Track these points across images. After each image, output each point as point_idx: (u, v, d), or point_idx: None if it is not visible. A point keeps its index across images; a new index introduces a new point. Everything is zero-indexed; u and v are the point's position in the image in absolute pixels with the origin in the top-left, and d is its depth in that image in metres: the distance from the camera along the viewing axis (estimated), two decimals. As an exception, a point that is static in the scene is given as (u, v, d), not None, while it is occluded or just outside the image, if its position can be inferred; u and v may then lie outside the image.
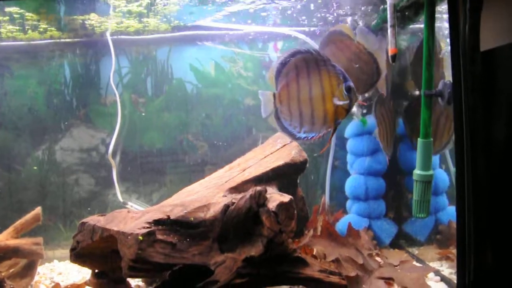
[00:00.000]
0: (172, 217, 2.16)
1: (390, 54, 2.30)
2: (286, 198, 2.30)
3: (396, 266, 2.59)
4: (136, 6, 2.72)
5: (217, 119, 3.32)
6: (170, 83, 3.33)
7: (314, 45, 2.90)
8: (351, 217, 2.94)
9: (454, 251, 2.69)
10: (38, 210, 2.70)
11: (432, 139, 2.38)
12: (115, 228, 2.11)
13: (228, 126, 3.31)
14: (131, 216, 2.25)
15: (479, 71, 2.04)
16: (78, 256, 2.25)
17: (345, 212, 3.08)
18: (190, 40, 3.18)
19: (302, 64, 2.03)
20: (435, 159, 2.96)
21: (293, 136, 2.10)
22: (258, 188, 2.26)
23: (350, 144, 3.05)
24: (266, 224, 2.16)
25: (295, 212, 2.30)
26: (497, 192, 2.01)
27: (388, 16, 2.29)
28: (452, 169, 3.06)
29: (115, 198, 3.11)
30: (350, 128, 3.05)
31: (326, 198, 3.10)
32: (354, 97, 2.05)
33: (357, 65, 2.56)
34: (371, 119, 2.94)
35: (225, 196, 2.30)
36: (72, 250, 2.25)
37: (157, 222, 2.13)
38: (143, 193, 3.29)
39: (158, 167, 3.31)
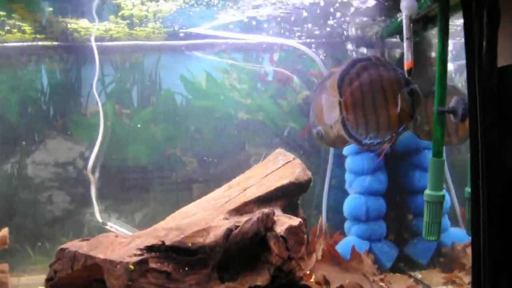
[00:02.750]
0: (167, 242, 1.94)
1: (406, 68, 2.18)
2: (295, 221, 2.13)
3: (402, 292, 2.44)
4: (140, 10, 2.49)
5: (208, 133, 3.10)
6: (158, 94, 3.09)
7: (315, 56, 2.76)
8: (351, 240, 2.78)
9: (460, 275, 2.58)
10: (4, 232, 2.42)
11: (444, 159, 2.27)
12: (101, 256, 1.87)
13: (219, 141, 3.10)
14: (120, 241, 2.01)
15: (496, 88, 1.97)
16: (55, 287, 1.98)
17: (342, 234, 2.91)
18: (180, 48, 2.98)
19: (364, 72, 2.03)
20: (437, 179, 2.85)
21: (359, 143, 2.11)
22: (266, 210, 2.07)
23: (349, 162, 2.90)
24: (274, 251, 1.98)
25: (305, 236, 2.14)
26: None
27: (404, 28, 2.18)
28: (452, 189, 2.96)
29: (93, 218, 2.84)
30: (349, 146, 2.90)
31: (323, 219, 2.94)
32: (418, 101, 2.02)
33: None
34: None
35: (227, 218, 2.10)
36: (48, 280, 1.98)
37: (150, 248, 1.90)
38: (124, 212, 3.02)
39: (142, 184, 3.05)
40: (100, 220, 2.79)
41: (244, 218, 2.10)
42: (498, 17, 1.90)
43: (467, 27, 2.01)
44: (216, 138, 3.09)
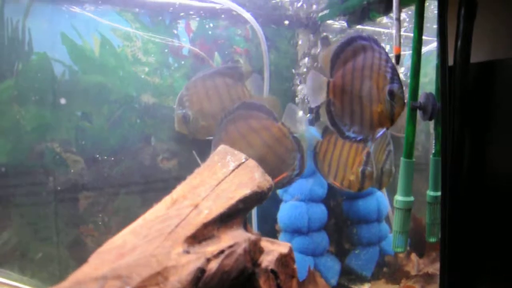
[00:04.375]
0: (105, 305, 1.16)
1: (394, 53, 1.84)
2: (284, 247, 1.58)
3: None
4: None
5: (100, 121, 2.20)
6: (27, 60, 2.06)
7: (257, 27, 2.16)
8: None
9: (411, 283, 2.36)
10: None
11: (414, 160, 2.02)
12: None
13: (116, 133, 2.24)
14: None
15: (469, 86, 1.84)
16: None
17: (275, 249, 2.41)
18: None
19: (360, 54, 1.75)
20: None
21: (342, 134, 1.84)
22: (252, 236, 1.46)
23: (285, 162, 2.40)
24: None
25: (295, 266, 1.61)
26: (477, 221, 1.78)
27: (394, 6, 1.84)
28: (385, 193, 2.73)
29: None
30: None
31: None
32: (398, 106, 1.71)
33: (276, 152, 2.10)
34: (311, 132, 2.38)
35: (187, 251, 1.39)
36: None
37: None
38: (-31, 240, 1.96)
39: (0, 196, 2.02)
40: None
41: (209, 248, 1.44)
42: (475, 10, 1.75)
43: (440, 18, 1.84)
44: (112, 129, 2.22)
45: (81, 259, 2.21)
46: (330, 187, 2.49)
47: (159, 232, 1.45)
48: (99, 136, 2.20)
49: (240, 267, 1.35)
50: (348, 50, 1.77)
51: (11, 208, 2.04)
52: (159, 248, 1.37)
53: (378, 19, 2.46)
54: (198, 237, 1.48)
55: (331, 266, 2.39)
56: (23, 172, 2.05)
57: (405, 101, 1.77)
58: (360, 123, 1.82)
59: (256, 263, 1.45)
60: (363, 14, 2.30)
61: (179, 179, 2.33)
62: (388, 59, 1.72)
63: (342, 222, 2.56)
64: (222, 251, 1.42)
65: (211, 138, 2.06)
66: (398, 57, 1.85)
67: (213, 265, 1.38)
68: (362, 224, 2.52)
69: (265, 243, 1.56)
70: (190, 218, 1.52)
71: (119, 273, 1.24)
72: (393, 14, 1.86)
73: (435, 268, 2.47)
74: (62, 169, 2.11)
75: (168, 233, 1.44)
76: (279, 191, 2.44)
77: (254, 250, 1.42)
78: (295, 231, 2.34)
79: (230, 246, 1.45)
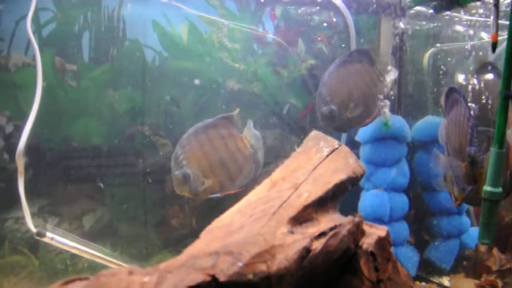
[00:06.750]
0: (220, 277, 1.17)
1: (491, 41, 1.78)
2: (381, 230, 1.55)
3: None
4: None
5: (188, 105, 2.27)
6: (121, 46, 2.16)
7: (347, 13, 2.14)
8: (374, 246, 2.28)
9: (492, 278, 2.28)
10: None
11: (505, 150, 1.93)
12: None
13: (202, 117, 2.29)
14: (140, 281, 1.17)
15: None
16: None
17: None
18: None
19: (454, 107, 1.85)
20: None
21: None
22: (356, 218, 1.46)
23: (367, 151, 2.37)
24: (364, 273, 1.40)
25: (391, 250, 1.60)
26: None
27: None
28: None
29: (21, 226, 1.88)
30: (367, 131, 2.37)
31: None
32: (476, 168, 1.78)
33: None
34: (396, 121, 2.34)
35: (291, 232, 1.42)
36: None
37: (195, 290, 1.14)
38: (67, 215, 2.07)
39: (93, 175, 2.12)
40: (34, 230, 1.84)
41: (310, 229, 1.46)
42: None
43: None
44: (199, 113, 2.28)
45: (167, 239, 2.30)
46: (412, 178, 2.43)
47: (263, 212, 1.47)
48: (186, 120, 2.27)
49: (344, 247, 1.35)
50: (450, 99, 1.86)
51: (104, 187, 2.14)
52: (264, 228, 1.39)
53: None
54: (299, 219, 1.49)
55: (410, 257, 2.35)
56: (115, 154, 2.15)
57: (483, 164, 1.75)
58: (459, 172, 1.85)
59: (357, 245, 1.45)
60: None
61: (264, 164, 2.36)
62: (470, 118, 1.76)
63: (422, 213, 2.51)
64: (323, 233, 1.43)
65: (215, 195, 2.04)
66: (494, 45, 1.80)
67: (317, 245, 1.38)
68: (443, 216, 2.45)
69: (364, 226, 1.55)
70: (291, 201, 1.54)
71: (230, 249, 1.27)
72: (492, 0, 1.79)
73: (519, 264, 2.37)
74: (151, 151, 2.19)
75: (272, 214, 1.47)
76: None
77: (357, 232, 1.42)
78: (376, 220, 2.30)
79: (332, 228, 1.45)
